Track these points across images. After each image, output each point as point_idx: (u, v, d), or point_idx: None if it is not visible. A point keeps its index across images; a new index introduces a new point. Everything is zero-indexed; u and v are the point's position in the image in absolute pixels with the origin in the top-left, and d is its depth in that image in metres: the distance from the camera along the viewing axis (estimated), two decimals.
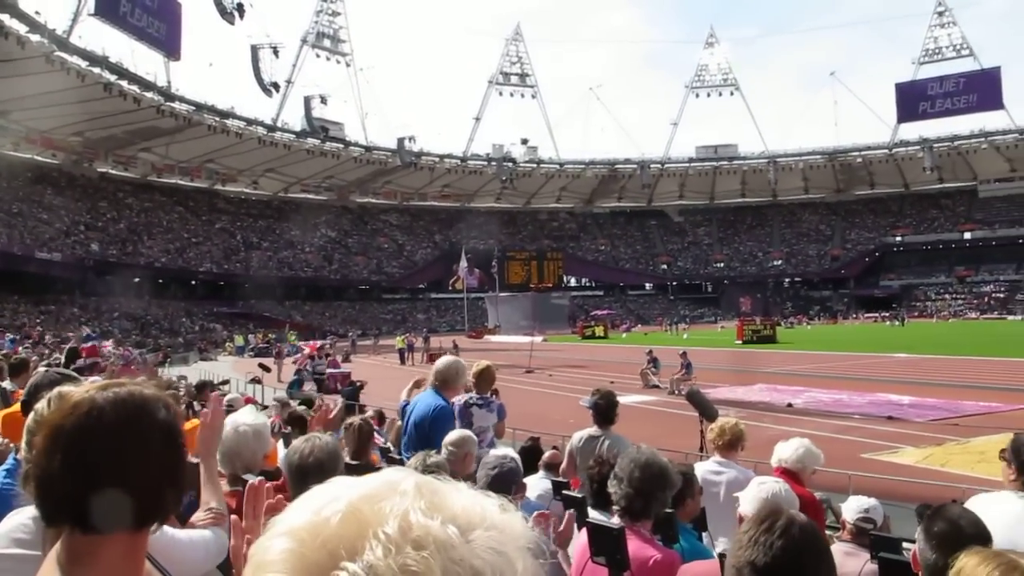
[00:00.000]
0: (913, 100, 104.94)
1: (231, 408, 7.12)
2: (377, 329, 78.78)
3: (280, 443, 6.64)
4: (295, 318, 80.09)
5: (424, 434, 6.54)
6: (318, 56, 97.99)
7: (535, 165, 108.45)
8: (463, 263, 74.94)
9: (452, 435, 5.43)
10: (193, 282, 78.63)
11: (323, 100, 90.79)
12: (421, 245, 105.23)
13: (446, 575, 0.67)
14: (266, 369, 30.48)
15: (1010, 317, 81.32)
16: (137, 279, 69.57)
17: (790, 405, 20.18)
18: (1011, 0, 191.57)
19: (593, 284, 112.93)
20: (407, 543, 0.68)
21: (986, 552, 1.76)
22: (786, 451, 5.36)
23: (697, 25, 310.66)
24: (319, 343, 37.85)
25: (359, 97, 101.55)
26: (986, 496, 3.16)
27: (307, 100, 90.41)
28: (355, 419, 6.16)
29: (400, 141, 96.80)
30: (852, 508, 4.47)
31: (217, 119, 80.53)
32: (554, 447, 8.57)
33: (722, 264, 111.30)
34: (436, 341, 48.70)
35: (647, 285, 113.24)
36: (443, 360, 7.29)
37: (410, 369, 35.18)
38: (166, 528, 2.16)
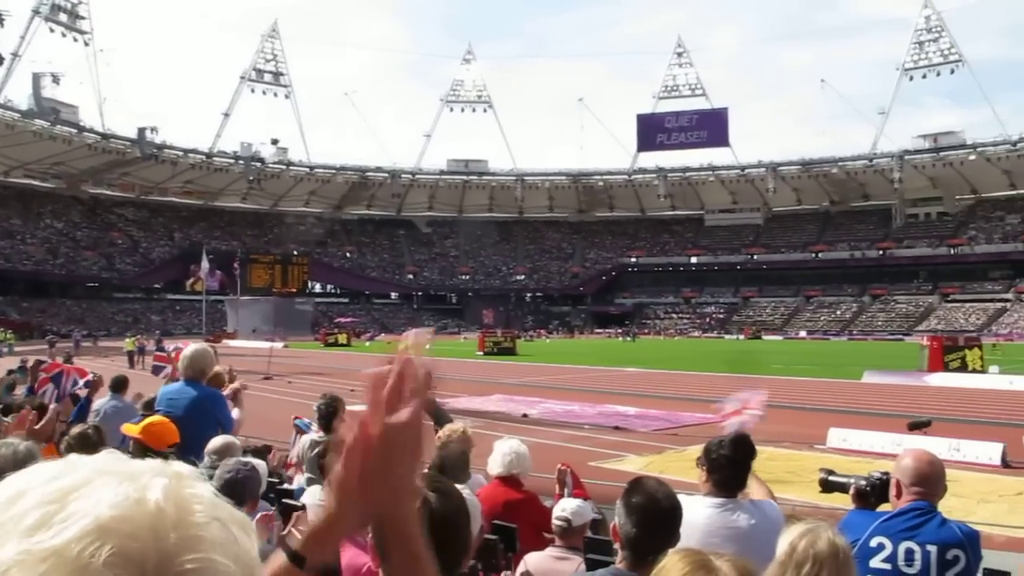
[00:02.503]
0: (652, 131, 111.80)
1: None
2: (106, 330, 73.67)
3: None
4: (11, 315, 73.30)
5: (200, 423, 6.05)
6: (52, 31, 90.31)
7: (284, 167, 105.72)
8: (204, 263, 71.56)
9: (214, 443, 5.21)
10: None
11: (55, 79, 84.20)
12: (159, 242, 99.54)
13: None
14: None
15: (727, 336, 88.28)
16: None
17: (525, 415, 20.52)
18: (738, 48, 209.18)
19: (338, 291, 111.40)
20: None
21: (685, 550, 1.82)
22: (496, 458, 5.38)
23: (457, 40, 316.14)
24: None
25: (97, 80, 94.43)
26: (683, 498, 3.18)
27: (36, 77, 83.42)
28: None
29: (141, 131, 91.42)
30: (555, 511, 4.54)
31: None
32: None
33: (467, 276, 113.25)
34: (170, 344, 45.96)
35: (393, 294, 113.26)
36: (193, 348, 6.83)
37: (139, 373, 33.00)
38: None
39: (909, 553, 3.26)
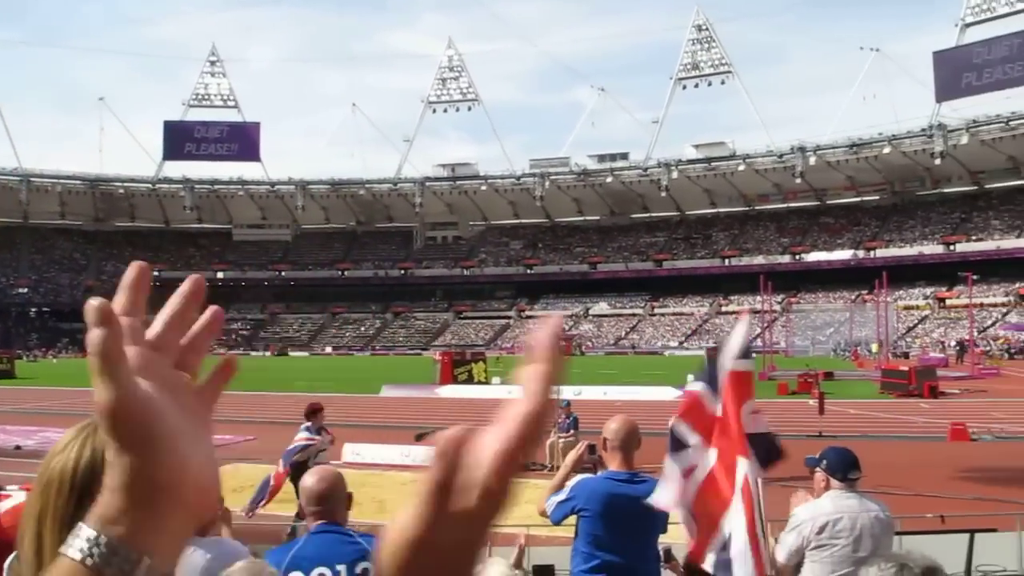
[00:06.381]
0: (180, 140, 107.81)
1: None
2: None
3: None
4: None
5: None
6: None
7: None
8: None
9: None
10: None
11: None
12: None
13: None
14: None
15: (253, 353, 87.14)
16: None
17: (19, 447, 18.43)
18: (273, 64, 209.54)
19: None
20: None
21: None
22: None
23: None
24: None
25: None
26: None
27: None
28: None
29: None
30: None
31: None
32: None
33: None
34: None
35: None
36: None
37: None
38: None
39: None
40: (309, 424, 10.76)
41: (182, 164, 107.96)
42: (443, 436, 0.55)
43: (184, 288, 0.67)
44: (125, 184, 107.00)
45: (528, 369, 0.58)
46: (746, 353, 4.54)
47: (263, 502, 9.27)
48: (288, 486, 9.21)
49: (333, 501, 3.50)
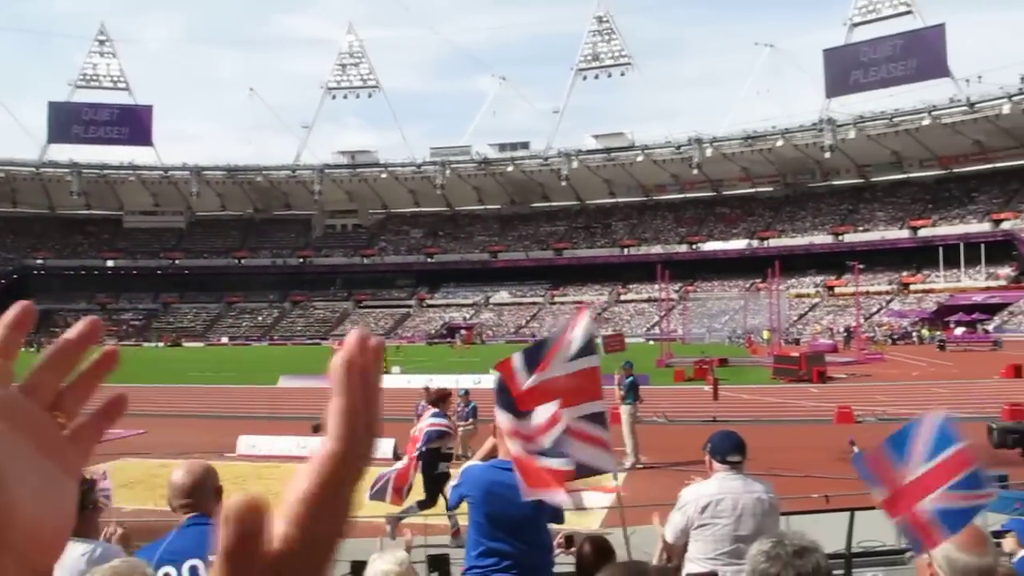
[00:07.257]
0: (66, 122, 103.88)
1: None
2: None
3: None
4: None
5: None
6: None
7: None
8: None
9: None
10: None
11: None
12: None
13: None
14: None
15: (146, 344, 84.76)
16: None
17: None
18: (166, 46, 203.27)
19: None
20: None
21: None
22: None
23: None
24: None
25: None
26: None
27: None
28: None
29: None
30: None
31: None
32: None
33: None
34: None
35: None
36: None
37: None
38: None
39: (194, 570, 3.26)
40: (437, 412, 10.50)
41: (69, 148, 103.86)
42: (228, 503, 0.52)
43: (76, 329, 0.62)
44: (6, 168, 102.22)
45: (331, 404, 0.56)
46: (589, 350, 4.69)
47: (390, 498, 8.72)
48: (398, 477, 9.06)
49: (201, 494, 3.47)
